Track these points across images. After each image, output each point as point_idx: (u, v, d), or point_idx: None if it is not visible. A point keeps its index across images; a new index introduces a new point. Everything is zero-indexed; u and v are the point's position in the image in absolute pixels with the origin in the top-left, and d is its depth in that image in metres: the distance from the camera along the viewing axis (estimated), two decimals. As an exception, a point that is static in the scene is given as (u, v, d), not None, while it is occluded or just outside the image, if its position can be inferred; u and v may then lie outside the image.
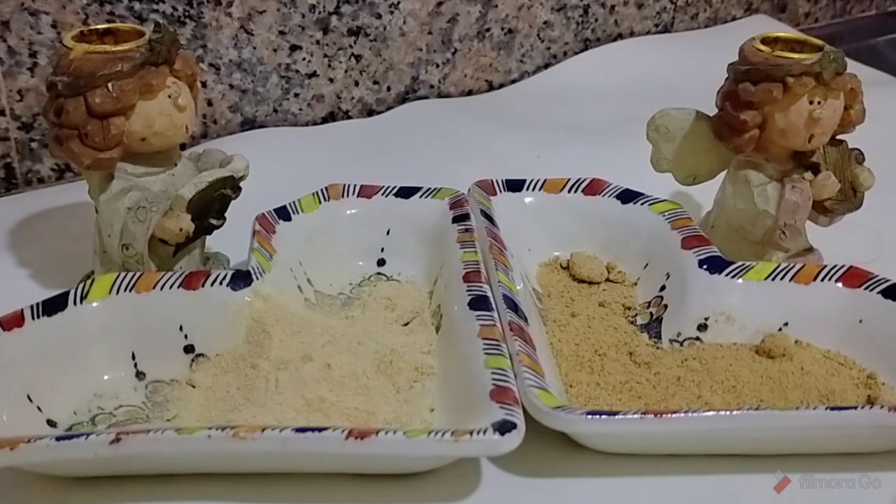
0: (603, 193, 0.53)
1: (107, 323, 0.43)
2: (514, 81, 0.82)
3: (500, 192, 0.53)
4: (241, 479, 0.39)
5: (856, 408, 0.40)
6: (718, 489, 0.40)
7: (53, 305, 0.43)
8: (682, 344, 0.47)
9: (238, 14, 0.67)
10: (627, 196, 0.53)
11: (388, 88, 0.76)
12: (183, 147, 0.50)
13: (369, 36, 0.73)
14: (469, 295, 0.44)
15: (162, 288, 0.44)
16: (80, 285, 0.44)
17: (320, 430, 0.36)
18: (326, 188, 0.52)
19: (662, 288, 0.50)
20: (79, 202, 0.56)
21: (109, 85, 0.44)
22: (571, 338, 0.47)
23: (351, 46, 0.73)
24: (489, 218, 0.50)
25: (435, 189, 0.53)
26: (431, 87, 0.78)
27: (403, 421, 0.41)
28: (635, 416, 0.38)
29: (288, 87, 0.72)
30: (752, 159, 0.51)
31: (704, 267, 0.48)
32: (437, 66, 0.77)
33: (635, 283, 0.51)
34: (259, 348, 0.44)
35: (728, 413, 0.39)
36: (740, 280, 0.48)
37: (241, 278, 0.45)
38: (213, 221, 0.48)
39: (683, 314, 0.48)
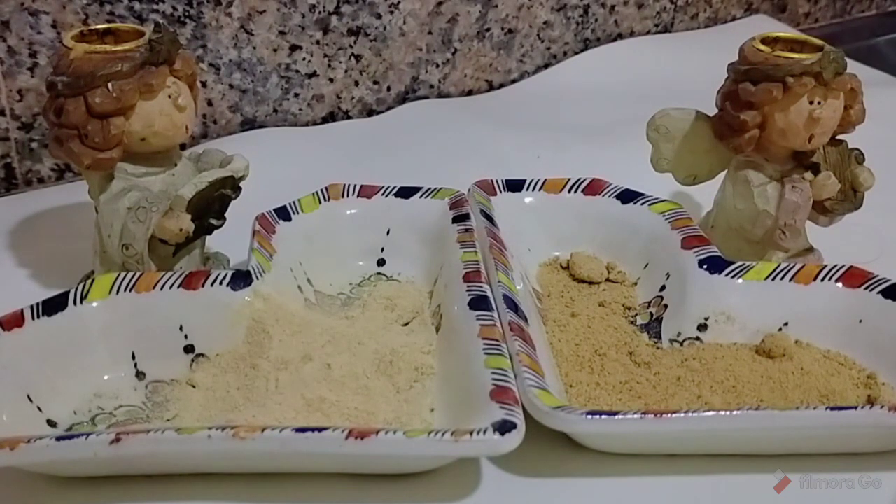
0: (603, 193, 0.53)
1: (107, 323, 0.43)
2: (514, 81, 0.82)
3: (500, 192, 0.53)
4: (241, 479, 0.39)
5: (856, 408, 0.40)
6: (718, 489, 0.40)
7: (53, 305, 0.42)
8: (682, 344, 0.47)
9: (238, 14, 0.67)
10: (627, 196, 0.53)
11: (388, 88, 0.76)
12: (183, 147, 0.50)
13: (369, 36, 0.73)
14: (469, 295, 0.44)
15: (162, 288, 0.44)
16: (80, 285, 0.44)
17: (320, 430, 0.36)
18: (326, 188, 0.52)
19: (662, 288, 0.50)
20: (79, 202, 0.56)
21: (109, 85, 0.44)
22: (571, 338, 0.47)
23: (351, 46, 0.73)
24: (489, 218, 0.50)
25: (435, 189, 0.53)
26: (431, 87, 0.78)
27: (403, 421, 0.41)
28: (635, 416, 0.38)
29: (288, 87, 0.71)
30: (752, 159, 0.51)
31: (704, 267, 0.48)
32: (437, 66, 0.77)
33: (635, 283, 0.51)
34: (259, 348, 0.44)
35: (728, 413, 0.39)
36: (740, 280, 0.48)
37: (241, 278, 0.45)
38: (213, 221, 0.48)
39: (683, 314, 0.48)
